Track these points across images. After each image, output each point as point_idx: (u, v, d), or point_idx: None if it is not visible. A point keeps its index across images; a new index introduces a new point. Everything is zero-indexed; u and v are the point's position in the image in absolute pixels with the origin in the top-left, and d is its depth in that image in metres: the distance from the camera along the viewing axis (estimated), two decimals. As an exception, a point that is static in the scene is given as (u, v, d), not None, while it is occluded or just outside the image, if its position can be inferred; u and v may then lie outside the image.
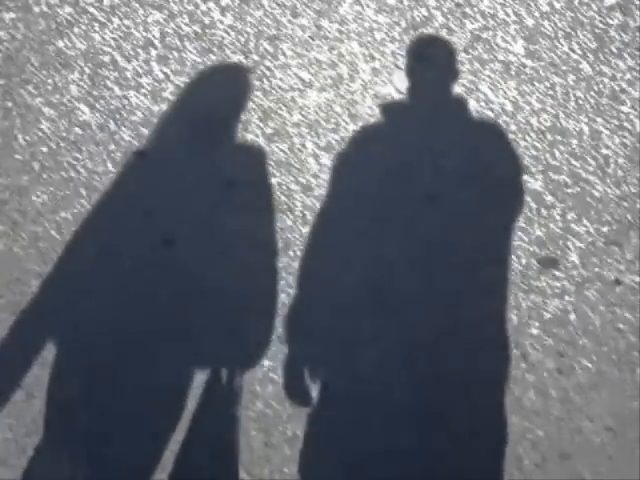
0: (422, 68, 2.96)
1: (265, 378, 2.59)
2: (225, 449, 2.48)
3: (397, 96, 2.94)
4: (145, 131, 2.89)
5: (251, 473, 2.51)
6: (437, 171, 2.83)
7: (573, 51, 2.99)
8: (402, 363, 2.59)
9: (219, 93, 2.96)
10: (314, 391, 2.51)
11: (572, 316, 2.66)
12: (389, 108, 2.88)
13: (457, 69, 2.94)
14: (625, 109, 2.91)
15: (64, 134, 2.89)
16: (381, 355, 2.60)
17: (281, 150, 2.88)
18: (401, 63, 2.98)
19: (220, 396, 2.53)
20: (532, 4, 3.06)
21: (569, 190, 2.82)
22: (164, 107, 2.92)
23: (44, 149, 2.87)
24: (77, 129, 2.90)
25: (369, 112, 2.92)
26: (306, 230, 2.76)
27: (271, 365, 2.59)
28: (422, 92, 2.92)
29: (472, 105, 2.92)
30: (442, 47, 2.99)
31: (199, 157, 2.83)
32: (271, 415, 2.57)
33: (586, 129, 2.90)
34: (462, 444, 2.51)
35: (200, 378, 2.55)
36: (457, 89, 2.93)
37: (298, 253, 2.73)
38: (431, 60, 2.99)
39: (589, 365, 2.61)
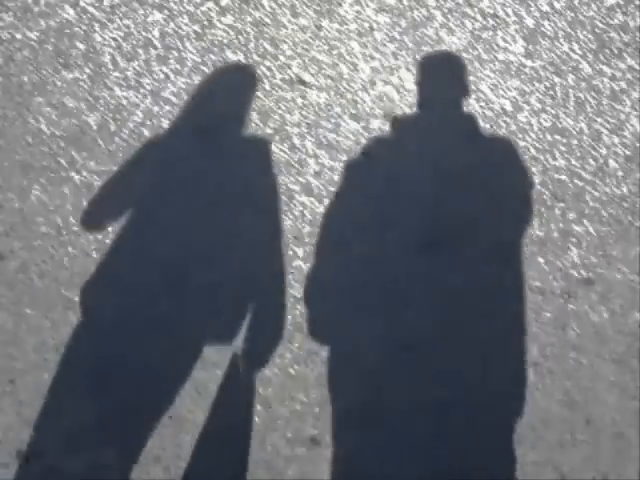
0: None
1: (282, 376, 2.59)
2: (238, 441, 2.50)
3: (397, 95, 2.94)
4: (145, 131, 2.89)
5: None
6: (441, 176, 2.83)
7: (573, 51, 3.00)
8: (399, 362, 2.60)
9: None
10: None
11: (572, 316, 2.66)
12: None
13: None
14: (625, 109, 2.92)
15: (64, 134, 2.89)
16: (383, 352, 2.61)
17: (281, 150, 2.88)
18: (403, 62, 2.98)
19: (237, 389, 2.55)
20: (532, 4, 3.06)
21: (569, 190, 2.82)
22: (164, 107, 2.92)
23: (44, 149, 2.87)
24: (77, 129, 2.90)
25: (369, 112, 2.92)
26: (306, 230, 2.76)
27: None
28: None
29: (473, 105, 2.92)
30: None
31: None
32: (291, 414, 2.57)
33: (586, 129, 2.90)
34: (458, 444, 2.51)
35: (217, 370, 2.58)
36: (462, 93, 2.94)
37: (298, 253, 2.73)
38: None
39: (589, 364, 2.61)
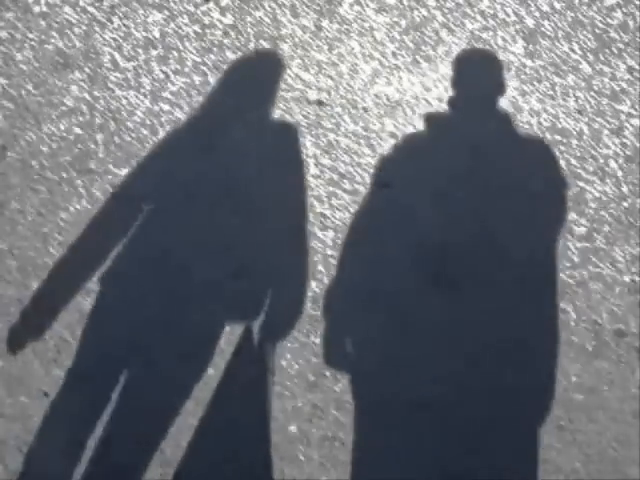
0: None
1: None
2: (255, 417, 2.49)
3: (397, 95, 2.94)
4: (145, 131, 2.89)
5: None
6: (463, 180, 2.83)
7: (573, 51, 3.00)
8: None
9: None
10: (350, 357, 2.54)
11: (573, 316, 2.66)
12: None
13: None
14: (625, 109, 2.92)
15: (64, 134, 2.89)
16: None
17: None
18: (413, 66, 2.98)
19: (250, 359, 2.55)
20: (532, 4, 3.06)
21: (569, 190, 2.82)
22: (164, 107, 2.92)
23: (44, 149, 2.87)
24: (77, 129, 2.90)
25: (369, 112, 2.93)
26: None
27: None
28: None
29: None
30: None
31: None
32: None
33: (586, 129, 2.90)
34: (460, 442, 2.51)
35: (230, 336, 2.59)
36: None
37: (298, 253, 2.74)
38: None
39: (589, 365, 2.61)
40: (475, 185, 2.80)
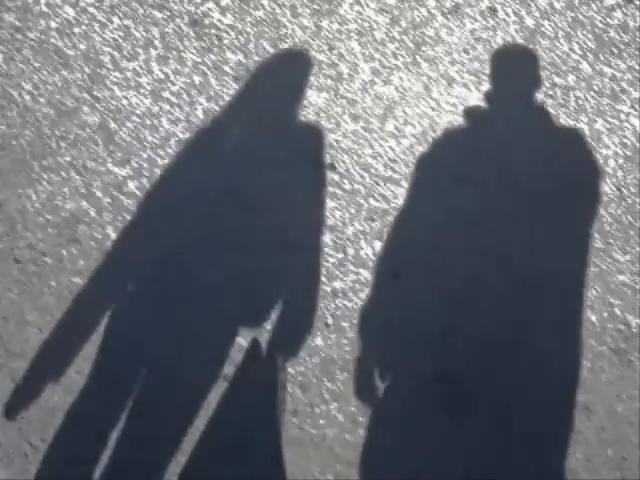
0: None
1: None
2: (264, 420, 2.50)
3: (397, 95, 2.94)
4: (145, 131, 2.89)
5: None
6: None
7: (573, 51, 3.00)
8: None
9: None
10: (380, 390, 2.54)
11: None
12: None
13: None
14: (625, 109, 2.92)
15: (64, 134, 2.89)
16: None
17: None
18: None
19: (260, 367, 2.56)
20: (532, 4, 3.06)
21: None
22: (164, 107, 2.93)
23: (44, 149, 2.87)
24: (77, 129, 2.90)
25: (369, 112, 2.92)
26: (306, 230, 2.76)
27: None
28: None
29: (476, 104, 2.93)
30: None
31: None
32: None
33: (586, 129, 2.90)
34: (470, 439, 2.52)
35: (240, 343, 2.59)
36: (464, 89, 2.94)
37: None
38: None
39: (589, 365, 2.61)
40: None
